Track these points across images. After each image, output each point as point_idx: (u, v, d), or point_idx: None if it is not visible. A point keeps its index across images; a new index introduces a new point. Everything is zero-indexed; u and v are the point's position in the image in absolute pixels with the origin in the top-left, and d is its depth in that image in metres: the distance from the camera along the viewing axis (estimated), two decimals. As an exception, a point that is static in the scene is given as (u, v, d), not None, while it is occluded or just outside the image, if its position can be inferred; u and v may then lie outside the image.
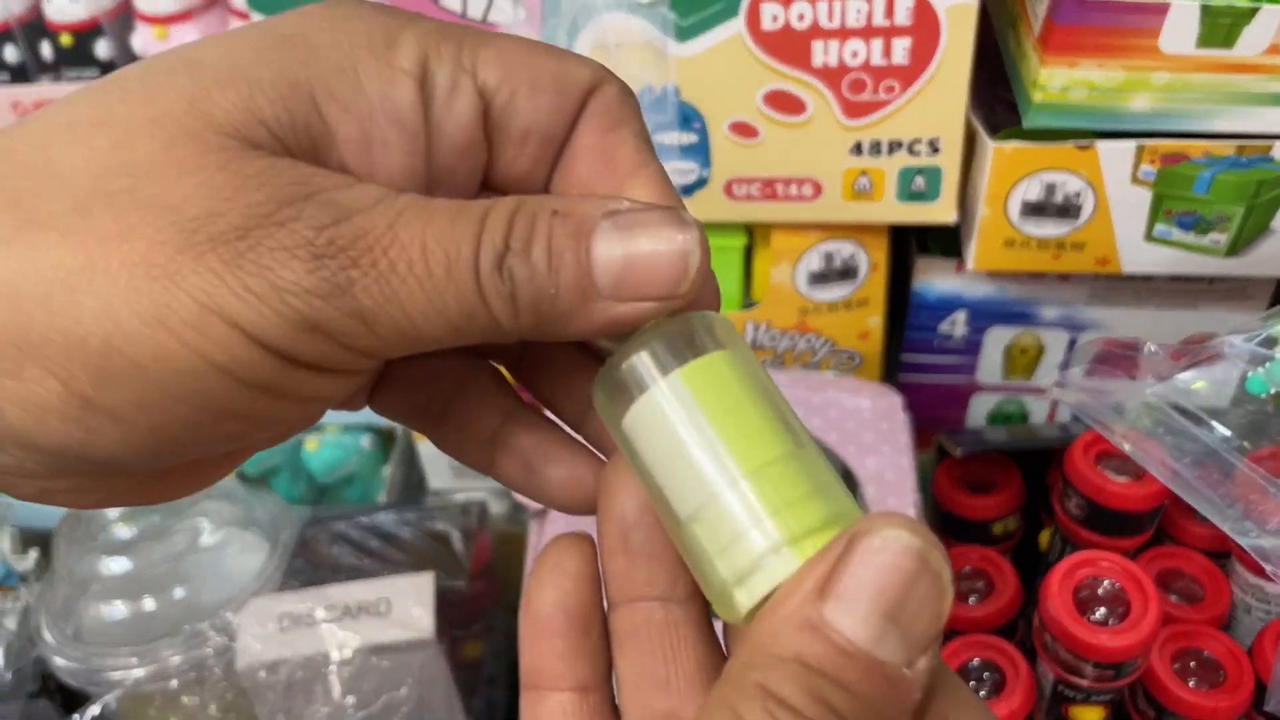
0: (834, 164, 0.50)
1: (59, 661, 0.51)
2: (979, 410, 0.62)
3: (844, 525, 0.19)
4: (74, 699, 0.53)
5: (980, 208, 0.50)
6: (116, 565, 0.54)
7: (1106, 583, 0.43)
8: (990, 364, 0.60)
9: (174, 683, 0.50)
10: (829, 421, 0.53)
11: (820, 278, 0.56)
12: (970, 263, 0.52)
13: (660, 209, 0.20)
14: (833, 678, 0.17)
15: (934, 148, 0.49)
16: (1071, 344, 0.59)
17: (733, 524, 0.19)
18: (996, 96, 0.52)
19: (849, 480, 0.51)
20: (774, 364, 0.59)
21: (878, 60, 0.47)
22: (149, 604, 0.53)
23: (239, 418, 0.19)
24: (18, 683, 0.55)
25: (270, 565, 0.54)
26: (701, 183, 0.52)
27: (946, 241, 0.56)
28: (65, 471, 0.20)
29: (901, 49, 0.46)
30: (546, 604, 0.22)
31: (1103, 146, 0.47)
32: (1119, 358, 0.46)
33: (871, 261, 0.55)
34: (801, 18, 0.46)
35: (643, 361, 0.20)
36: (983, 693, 0.45)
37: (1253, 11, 0.42)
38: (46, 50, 0.63)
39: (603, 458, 0.24)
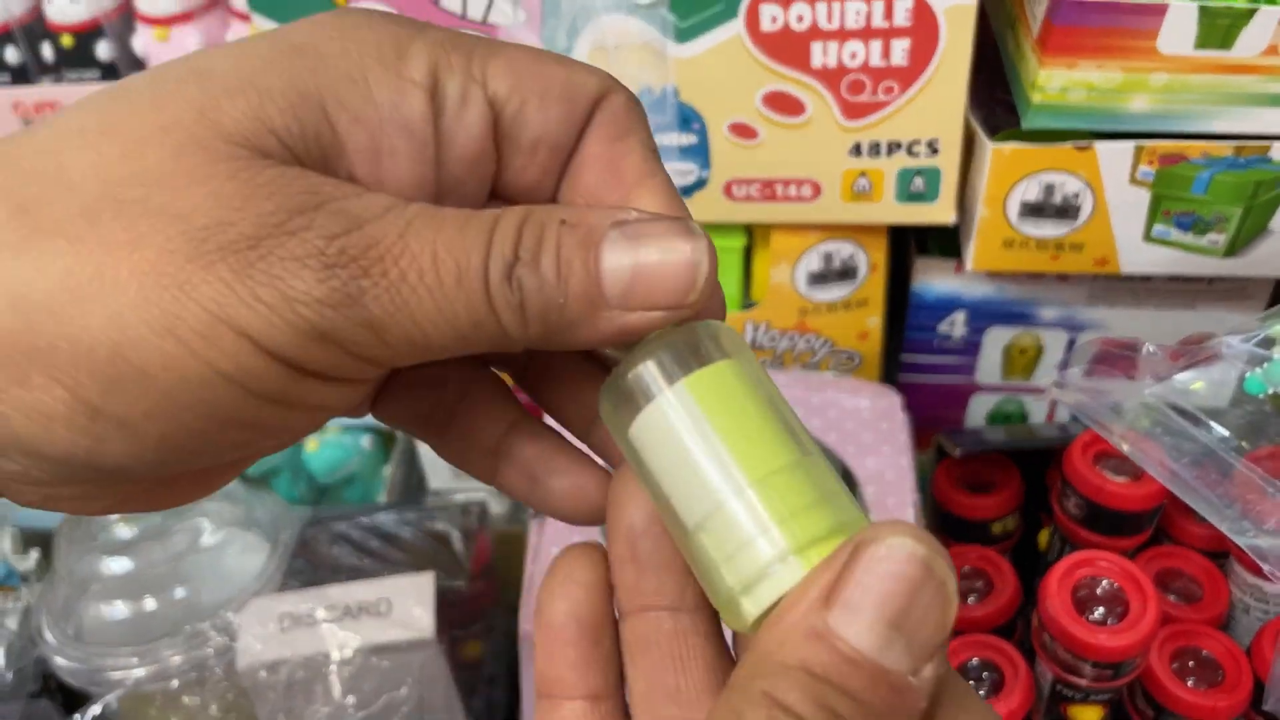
0: (833, 165, 0.50)
1: (60, 661, 0.51)
2: (978, 410, 0.63)
3: (850, 533, 0.19)
4: (75, 699, 0.53)
5: (979, 208, 0.50)
6: (117, 565, 0.54)
7: (1105, 582, 0.43)
8: (989, 364, 0.60)
9: (175, 683, 0.51)
10: (828, 422, 0.53)
11: (819, 278, 0.56)
12: (969, 263, 0.52)
13: (668, 219, 0.21)
14: (838, 686, 0.17)
15: (933, 149, 0.49)
16: (1070, 344, 0.59)
17: (739, 532, 0.19)
18: (995, 98, 0.52)
19: (848, 480, 0.51)
20: (773, 364, 0.59)
21: (877, 61, 0.47)
22: (150, 604, 0.53)
23: (246, 426, 0.19)
24: (19, 683, 0.55)
25: (271, 565, 0.54)
26: (701, 184, 0.52)
27: (946, 242, 0.57)
28: (70, 479, 0.20)
29: (900, 50, 0.46)
30: (558, 613, 0.22)
31: (1101, 147, 0.47)
32: (1118, 358, 0.46)
33: (871, 262, 0.56)
34: (800, 19, 0.46)
35: (649, 371, 0.20)
36: (981, 692, 0.45)
37: (1251, 12, 0.43)
38: (47, 51, 0.63)
39: (607, 468, 0.24)
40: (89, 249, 0.18)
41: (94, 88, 0.62)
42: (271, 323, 0.18)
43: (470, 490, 0.68)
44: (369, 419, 0.25)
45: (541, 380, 0.25)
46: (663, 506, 0.20)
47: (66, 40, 0.62)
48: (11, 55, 0.64)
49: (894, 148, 0.49)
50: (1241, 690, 0.43)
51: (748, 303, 0.58)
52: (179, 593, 0.53)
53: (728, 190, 0.52)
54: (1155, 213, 0.49)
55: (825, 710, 0.17)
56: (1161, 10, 0.43)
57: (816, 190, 0.51)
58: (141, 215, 0.18)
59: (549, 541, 0.48)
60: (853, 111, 0.48)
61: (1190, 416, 0.42)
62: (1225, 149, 0.46)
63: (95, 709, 0.51)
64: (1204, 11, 0.43)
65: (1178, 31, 0.43)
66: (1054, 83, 0.45)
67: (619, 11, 0.47)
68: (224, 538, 0.55)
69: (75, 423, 0.18)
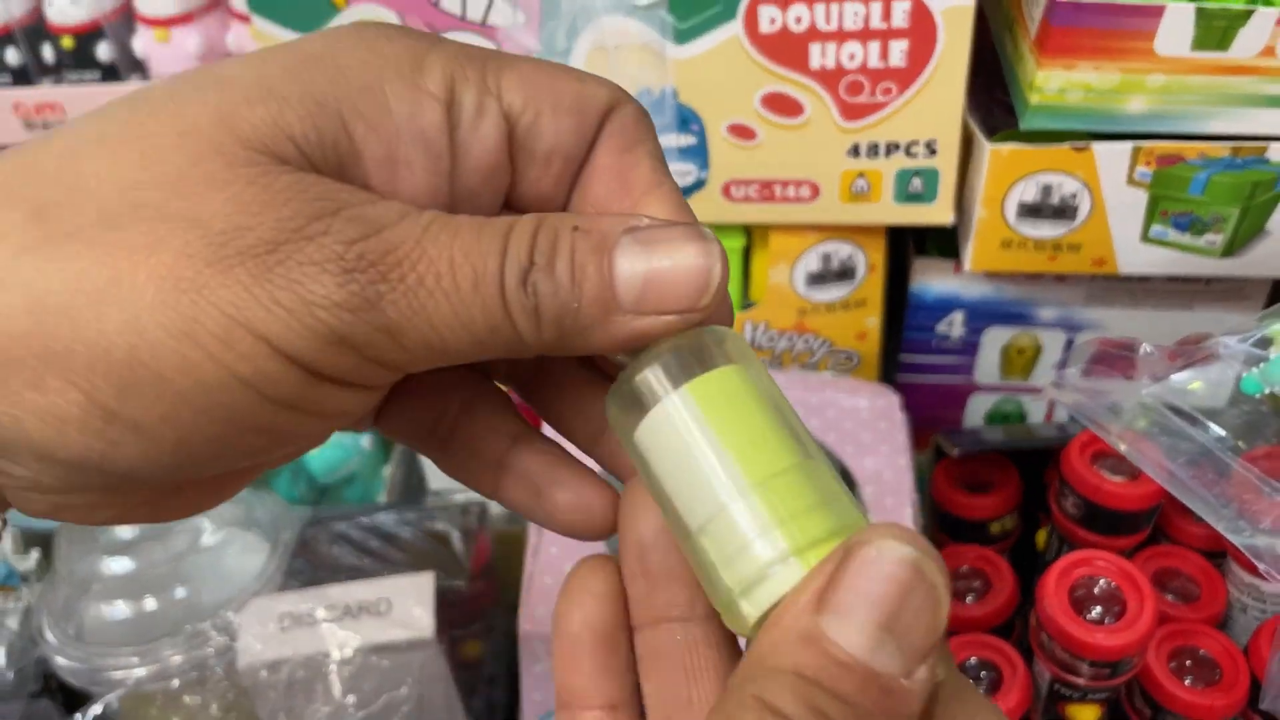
0: (831, 166, 0.50)
1: (61, 661, 0.52)
2: (977, 410, 0.63)
3: (849, 535, 0.19)
4: (76, 699, 0.53)
5: (977, 209, 0.50)
6: (118, 565, 0.54)
7: (1102, 582, 0.43)
8: (988, 364, 0.60)
9: (175, 682, 0.51)
10: (827, 422, 0.53)
11: (818, 278, 0.56)
12: (967, 264, 0.52)
13: (681, 224, 0.21)
14: (829, 689, 0.17)
15: (931, 149, 0.50)
16: (1069, 344, 0.59)
17: (738, 535, 0.19)
18: (994, 99, 0.52)
19: (847, 480, 0.52)
20: (772, 365, 0.59)
21: (875, 62, 0.47)
22: (150, 604, 0.53)
23: (261, 432, 0.19)
24: (19, 682, 0.55)
25: (271, 565, 0.55)
26: (700, 184, 0.52)
27: (944, 242, 0.57)
28: (80, 486, 0.20)
29: (899, 51, 0.47)
30: (574, 623, 0.23)
31: (1099, 148, 0.47)
32: (1115, 358, 0.46)
33: (869, 262, 0.56)
34: (799, 20, 0.46)
35: (653, 375, 0.20)
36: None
37: (1248, 14, 0.43)
38: (48, 52, 0.64)
39: (611, 482, 0.24)
40: (106, 253, 0.18)
41: (94, 89, 0.63)
42: (290, 326, 0.18)
43: (470, 490, 0.68)
44: (370, 419, 0.25)
45: (547, 394, 0.25)
46: (667, 510, 0.21)
47: (67, 41, 0.62)
48: (12, 56, 0.64)
49: (892, 148, 0.49)
50: (1239, 689, 0.43)
51: (746, 303, 0.58)
52: (179, 592, 0.53)
53: (726, 191, 0.52)
54: (1153, 213, 0.49)
55: (816, 714, 0.17)
56: (1159, 12, 0.43)
57: (815, 191, 0.51)
58: (159, 220, 0.18)
59: (548, 542, 0.49)
60: (851, 112, 0.49)
61: (1187, 416, 0.42)
62: (1222, 150, 0.47)
63: (96, 708, 0.51)
64: (1201, 13, 0.43)
65: (1175, 33, 0.43)
66: (1052, 84, 0.45)
67: (618, 13, 0.47)
68: (224, 538, 0.55)
69: (90, 426, 0.18)
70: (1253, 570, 0.47)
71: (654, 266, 0.20)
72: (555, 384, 0.25)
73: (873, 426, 0.53)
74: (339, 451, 0.67)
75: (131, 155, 0.19)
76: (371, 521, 0.57)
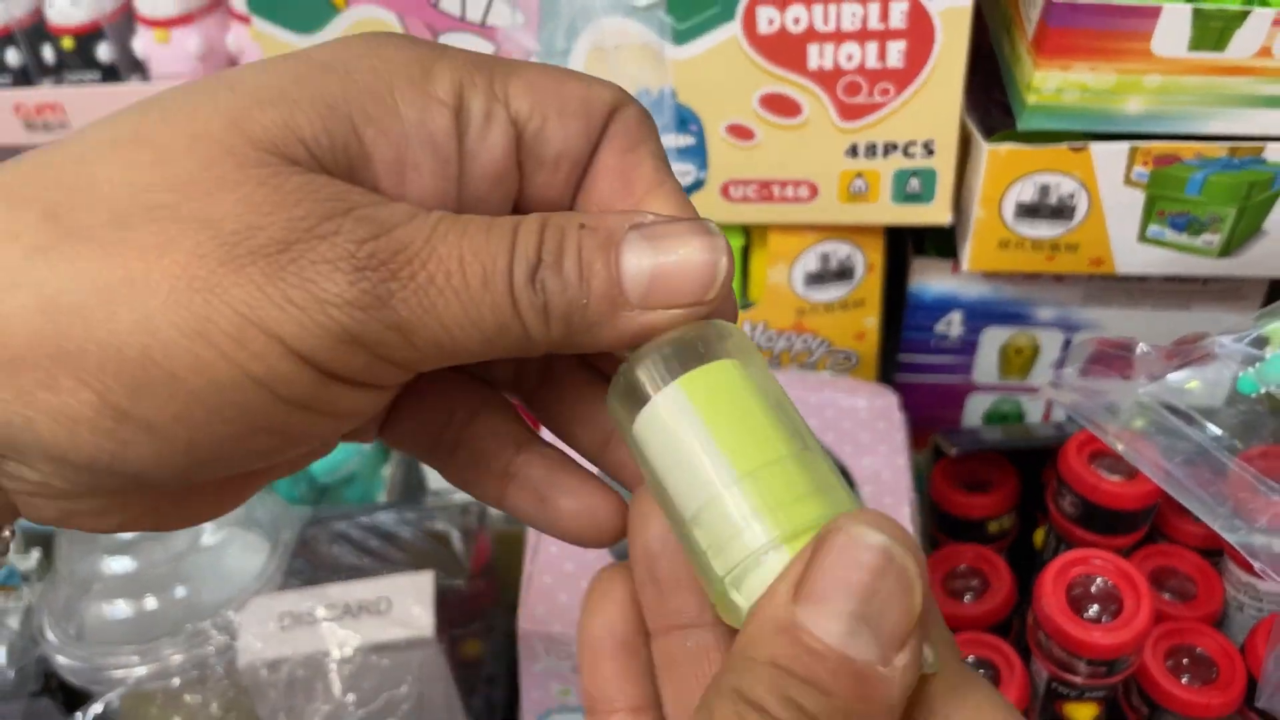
0: (830, 166, 0.50)
1: (61, 660, 0.52)
2: (975, 410, 0.63)
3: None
4: (76, 698, 0.53)
5: (975, 209, 0.50)
6: (118, 565, 0.54)
7: (1099, 580, 0.43)
8: (986, 364, 0.60)
9: (176, 681, 0.51)
10: (825, 421, 0.53)
11: (817, 278, 0.56)
12: (965, 263, 0.52)
13: (686, 220, 0.21)
14: (803, 679, 0.17)
15: (929, 150, 0.50)
16: (1066, 344, 0.59)
17: (729, 523, 0.19)
18: (992, 99, 0.52)
19: (846, 479, 0.52)
20: (771, 364, 0.59)
21: (873, 63, 0.47)
22: (151, 603, 0.53)
23: (272, 433, 0.20)
24: (20, 681, 0.55)
25: (271, 565, 0.55)
26: (698, 184, 0.52)
27: (942, 242, 0.57)
28: (90, 490, 0.20)
29: (896, 52, 0.47)
30: (595, 629, 0.23)
31: (1096, 148, 0.48)
32: (1113, 358, 0.46)
33: (868, 262, 0.56)
34: (797, 21, 0.46)
35: (651, 368, 0.21)
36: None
37: (1244, 15, 0.43)
38: (48, 53, 0.64)
39: (619, 490, 0.24)
40: (119, 253, 0.18)
41: (95, 89, 0.63)
42: (302, 324, 0.18)
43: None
44: (371, 418, 0.25)
45: (552, 403, 0.25)
46: (665, 504, 0.21)
47: (67, 42, 0.62)
48: (12, 57, 0.64)
49: (890, 149, 0.50)
50: (1235, 688, 0.44)
51: (745, 303, 0.58)
52: (180, 592, 0.53)
53: (725, 191, 0.52)
54: (1150, 213, 0.49)
55: (790, 704, 0.17)
56: (1155, 12, 0.43)
57: (813, 191, 0.51)
58: (171, 220, 0.18)
59: (548, 541, 0.49)
60: (849, 113, 0.49)
61: (1184, 416, 0.43)
62: (1219, 150, 0.47)
63: (97, 707, 0.51)
64: (1197, 13, 0.43)
65: (1171, 33, 0.43)
66: (1049, 84, 0.45)
67: (617, 13, 0.48)
68: (224, 537, 0.56)
69: (101, 426, 0.18)
70: (1249, 569, 0.47)
71: (660, 261, 0.20)
72: (560, 393, 0.25)
73: (871, 426, 0.53)
74: (339, 451, 0.67)
75: (144, 158, 0.19)
76: (371, 521, 0.58)
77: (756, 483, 0.19)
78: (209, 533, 0.55)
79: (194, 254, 0.18)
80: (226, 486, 0.23)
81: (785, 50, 0.47)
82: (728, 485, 0.19)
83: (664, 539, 0.22)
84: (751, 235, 0.56)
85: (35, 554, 0.60)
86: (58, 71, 0.64)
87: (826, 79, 0.48)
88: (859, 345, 0.59)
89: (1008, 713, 0.19)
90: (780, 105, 0.49)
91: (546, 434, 0.26)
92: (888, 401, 0.55)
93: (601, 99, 0.23)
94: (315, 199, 0.19)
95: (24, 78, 0.65)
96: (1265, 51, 0.44)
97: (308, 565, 0.55)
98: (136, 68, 0.64)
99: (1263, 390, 0.40)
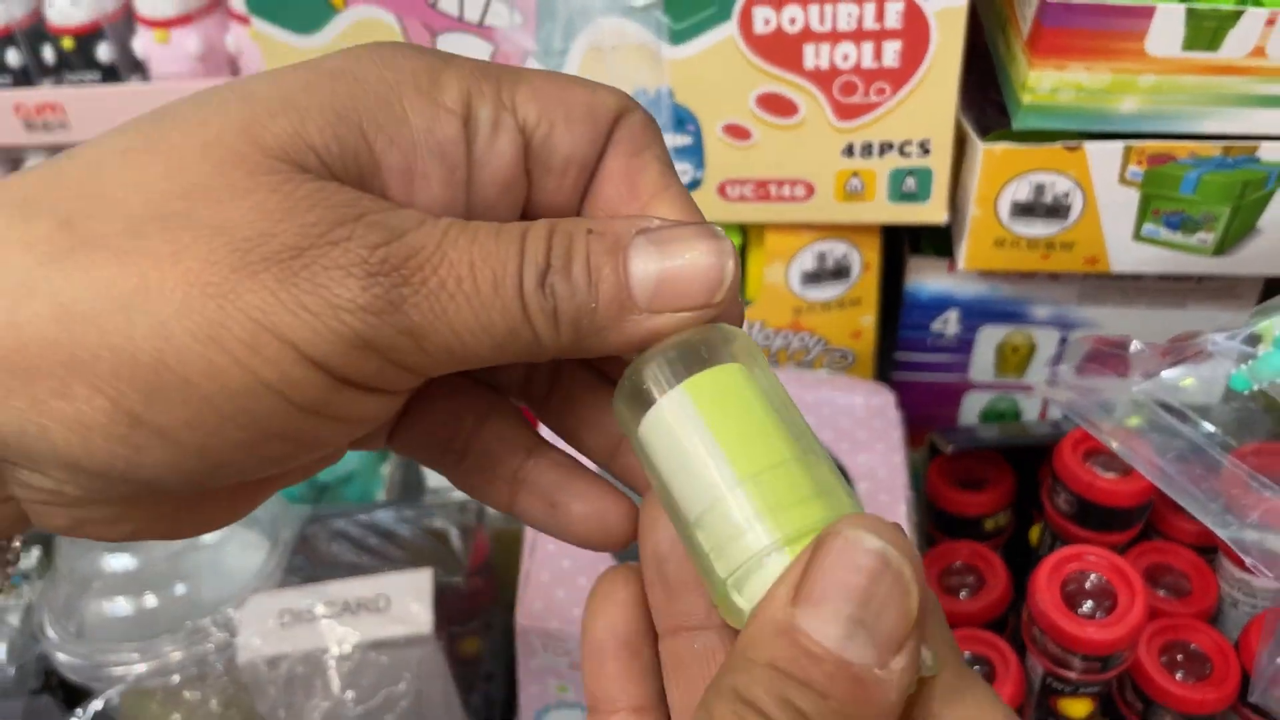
0: (826, 165, 0.51)
1: (62, 658, 0.52)
2: (972, 408, 0.63)
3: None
4: (76, 695, 0.54)
5: (971, 208, 0.51)
6: (118, 562, 0.54)
7: (1093, 577, 0.44)
8: (982, 362, 0.61)
9: (176, 678, 0.51)
10: (822, 419, 0.54)
11: (813, 277, 0.56)
12: (961, 262, 0.53)
13: (692, 224, 0.21)
14: (801, 681, 0.17)
15: (924, 149, 0.50)
16: (1062, 342, 0.59)
17: (731, 525, 0.19)
18: (988, 99, 0.52)
19: (846, 481, 0.52)
20: (768, 363, 0.59)
21: (868, 63, 0.47)
22: (151, 600, 0.53)
23: (284, 439, 0.20)
24: (20, 679, 0.55)
25: (271, 562, 0.55)
26: (695, 184, 0.52)
27: (939, 241, 0.57)
28: (102, 497, 0.20)
29: (892, 52, 0.47)
30: (598, 629, 0.23)
31: (1091, 147, 0.48)
32: (1108, 356, 0.46)
33: (864, 261, 0.56)
34: (793, 21, 0.47)
35: (654, 373, 0.21)
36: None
37: (1237, 14, 0.43)
38: (48, 54, 0.64)
39: (630, 494, 0.25)
40: (133, 260, 0.18)
41: (95, 89, 0.63)
42: (316, 330, 0.18)
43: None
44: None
45: (562, 410, 0.25)
46: (669, 506, 0.21)
47: (67, 43, 0.63)
48: (13, 57, 0.64)
49: (886, 148, 0.50)
50: (1229, 683, 0.44)
51: (743, 303, 0.58)
52: (180, 589, 0.54)
53: (722, 190, 0.52)
54: (1144, 212, 0.49)
55: (787, 706, 0.17)
56: (1149, 12, 0.43)
57: (810, 190, 0.52)
58: (184, 228, 0.18)
59: (545, 538, 0.49)
60: (845, 112, 0.49)
61: (1178, 413, 0.43)
62: (1213, 149, 0.47)
63: (97, 704, 0.51)
64: (1191, 13, 0.43)
65: (1165, 33, 0.44)
66: (1044, 84, 0.46)
67: (614, 14, 0.48)
68: (224, 535, 0.56)
69: (115, 432, 0.18)
70: (1244, 566, 0.48)
71: (667, 265, 0.20)
72: (569, 399, 0.25)
73: (868, 424, 0.54)
74: (338, 450, 0.67)
75: (156, 166, 0.19)
76: (370, 519, 0.58)
77: (759, 486, 0.19)
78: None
79: (207, 261, 0.18)
80: (237, 493, 0.23)
81: (781, 50, 0.47)
82: (731, 488, 0.19)
83: (673, 541, 0.22)
84: (748, 234, 0.57)
85: (35, 552, 0.60)
86: (58, 72, 0.64)
87: (822, 79, 0.48)
88: (856, 344, 0.59)
89: (1006, 715, 0.19)
90: (776, 105, 0.49)
91: (555, 440, 0.26)
92: (884, 399, 0.55)
93: (607, 105, 0.23)
94: (327, 205, 0.19)
95: (24, 78, 0.65)
96: (1259, 51, 0.44)
97: (307, 563, 0.55)
98: (136, 68, 0.64)
99: (1255, 387, 0.41)
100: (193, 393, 0.18)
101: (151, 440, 0.18)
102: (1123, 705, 0.46)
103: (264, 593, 0.51)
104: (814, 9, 0.46)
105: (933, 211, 0.52)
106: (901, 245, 0.59)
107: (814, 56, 0.47)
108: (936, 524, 0.56)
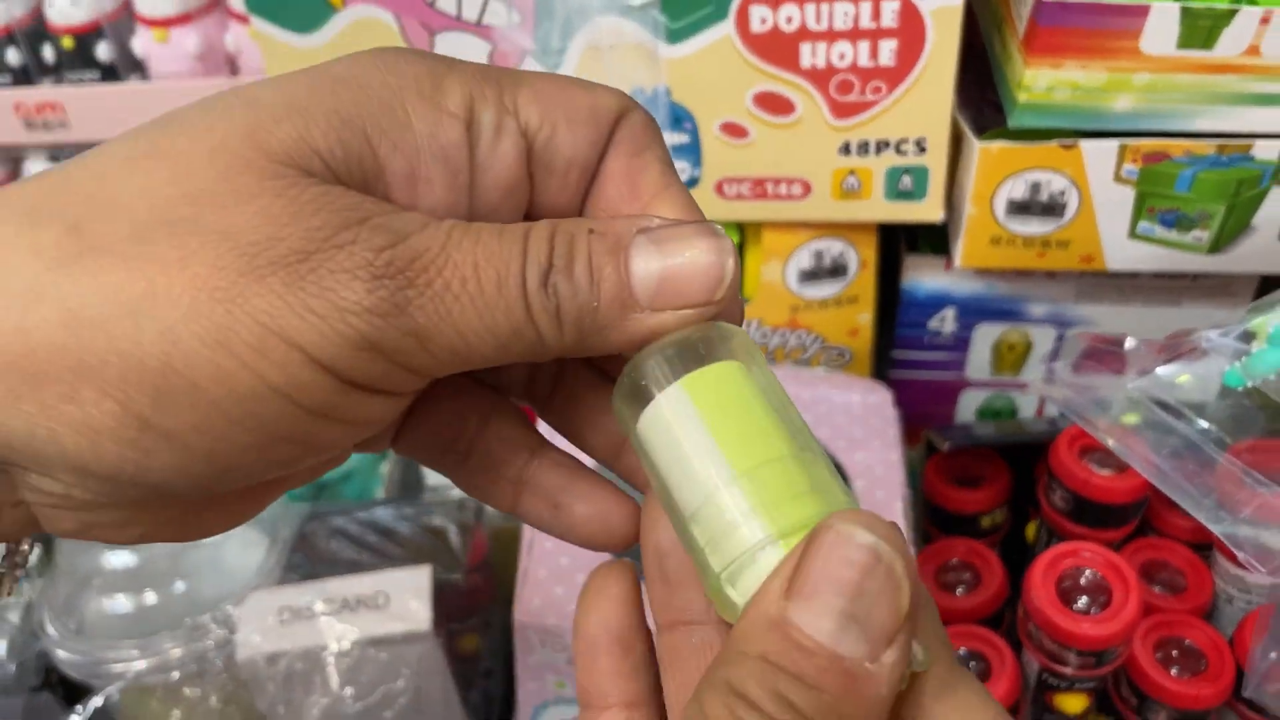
0: (823, 163, 0.51)
1: (62, 654, 0.52)
2: (968, 406, 0.63)
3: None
4: (76, 691, 0.54)
5: (967, 206, 0.51)
6: (118, 560, 0.55)
7: (1088, 573, 0.44)
8: (979, 360, 0.61)
9: (175, 675, 0.51)
10: (819, 417, 0.54)
11: (810, 275, 0.57)
12: (958, 260, 0.53)
13: (692, 222, 0.22)
14: (793, 674, 0.18)
15: (921, 147, 0.50)
16: (1059, 340, 0.59)
17: (725, 520, 0.20)
18: (985, 98, 0.52)
19: (840, 475, 0.52)
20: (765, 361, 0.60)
21: (865, 62, 0.48)
22: (150, 598, 0.54)
23: (292, 442, 0.20)
24: (21, 676, 0.55)
25: (270, 560, 0.55)
26: (693, 182, 0.52)
27: (935, 240, 0.57)
28: (111, 501, 0.20)
29: (888, 51, 0.47)
30: (591, 625, 0.23)
31: (1086, 146, 0.48)
32: (1104, 354, 0.47)
33: (861, 259, 0.56)
34: (790, 20, 0.47)
35: (651, 370, 0.21)
36: (969, 682, 0.46)
37: (1232, 13, 0.43)
38: (48, 53, 0.64)
39: (631, 494, 0.25)
40: (140, 266, 0.18)
41: (94, 88, 0.64)
42: (322, 333, 0.19)
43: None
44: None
45: (565, 410, 0.26)
46: (667, 502, 0.21)
47: (67, 42, 0.63)
48: (13, 57, 0.64)
49: (882, 146, 0.50)
50: (1224, 679, 0.44)
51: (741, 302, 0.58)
52: (180, 587, 0.54)
53: (719, 189, 0.53)
54: (1140, 210, 0.50)
55: (780, 699, 0.17)
56: (1144, 11, 0.43)
57: (806, 189, 0.52)
58: (191, 233, 0.18)
59: (542, 535, 0.49)
60: (841, 111, 0.49)
61: (1174, 410, 0.43)
62: (1208, 147, 0.47)
63: (97, 701, 0.51)
64: (1186, 12, 0.43)
65: (1160, 32, 0.44)
66: (1039, 82, 0.46)
67: (612, 13, 0.48)
68: (224, 533, 0.56)
69: (124, 436, 0.18)
70: (1238, 561, 0.48)
71: (668, 264, 0.21)
72: (572, 399, 0.25)
73: (864, 422, 0.54)
74: (337, 448, 0.67)
75: (163, 172, 0.19)
76: (369, 516, 0.58)
77: (754, 481, 0.20)
78: (208, 528, 0.55)
79: (214, 265, 0.18)
80: (245, 496, 0.23)
81: (778, 49, 0.48)
82: (726, 483, 0.20)
83: (674, 537, 0.22)
84: (746, 233, 0.57)
85: (36, 549, 0.60)
86: (57, 71, 0.65)
87: (819, 77, 0.48)
88: (853, 342, 0.59)
89: (996, 712, 0.20)
90: (773, 103, 0.49)
91: (559, 440, 0.26)
92: (881, 397, 0.55)
93: (608, 106, 0.23)
94: (332, 209, 0.19)
95: (24, 77, 0.65)
96: (1253, 49, 0.44)
97: (306, 560, 0.56)
98: (136, 67, 0.64)
99: (1249, 384, 0.41)
100: (201, 397, 0.18)
101: (160, 444, 0.19)
102: (1118, 701, 0.46)
103: (263, 590, 0.51)
104: (810, 8, 0.46)
105: (929, 210, 0.52)
106: (898, 243, 0.59)
107: (810, 55, 0.48)
108: (933, 521, 0.56)
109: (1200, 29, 0.44)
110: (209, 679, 0.52)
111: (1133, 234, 0.51)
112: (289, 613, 0.50)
